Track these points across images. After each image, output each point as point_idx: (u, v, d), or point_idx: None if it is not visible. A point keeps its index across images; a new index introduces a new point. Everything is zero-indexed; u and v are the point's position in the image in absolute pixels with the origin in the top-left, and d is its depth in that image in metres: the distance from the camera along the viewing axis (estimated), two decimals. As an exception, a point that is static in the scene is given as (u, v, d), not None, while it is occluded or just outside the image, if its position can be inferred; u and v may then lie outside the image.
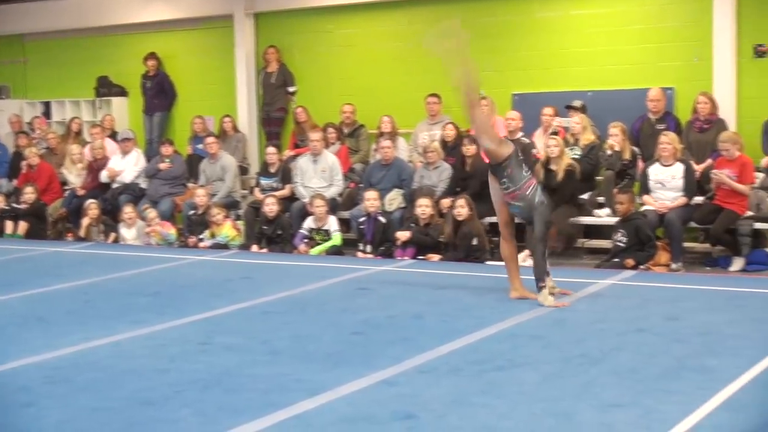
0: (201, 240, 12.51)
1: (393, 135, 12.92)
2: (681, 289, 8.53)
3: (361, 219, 11.72)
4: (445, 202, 11.53)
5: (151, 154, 14.97)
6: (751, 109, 11.68)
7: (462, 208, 10.78)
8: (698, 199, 10.85)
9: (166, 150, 14.10)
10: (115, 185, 14.24)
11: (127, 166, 14.32)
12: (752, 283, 8.90)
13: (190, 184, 13.98)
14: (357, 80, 14.42)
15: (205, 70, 15.85)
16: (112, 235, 13.11)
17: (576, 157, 11.42)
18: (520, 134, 12.16)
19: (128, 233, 13.03)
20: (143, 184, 14.20)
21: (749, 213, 10.44)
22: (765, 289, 8.39)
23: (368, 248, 11.51)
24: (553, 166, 11.09)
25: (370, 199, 11.60)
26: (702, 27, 11.91)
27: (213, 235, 12.47)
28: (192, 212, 12.91)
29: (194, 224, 12.80)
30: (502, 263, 10.73)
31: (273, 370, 6.00)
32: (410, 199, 11.84)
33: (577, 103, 12.17)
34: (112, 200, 13.93)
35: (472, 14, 13.46)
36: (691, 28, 12.09)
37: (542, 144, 11.71)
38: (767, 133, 11.13)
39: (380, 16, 14.32)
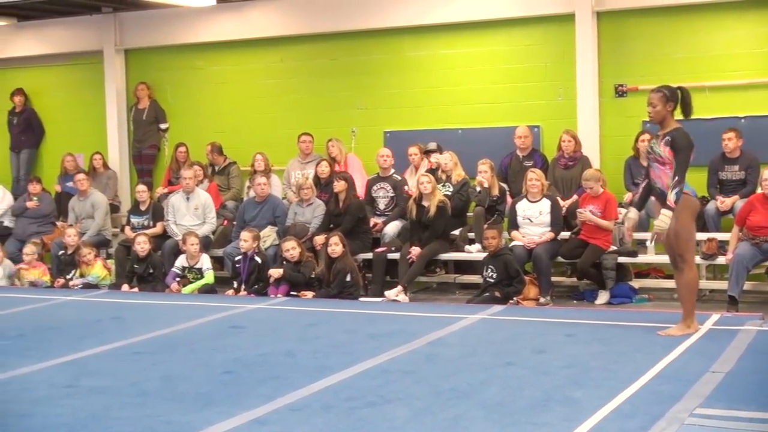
0: (70, 280, 12.23)
1: (267, 172, 12.89)
2: (549, 322, 8.69)
3: (237, 258, 11.61)
4: (319, 239, 11.55)
5: (18, 192, 14.61)
6: (614, 147, 12.04)
7: (336, 245, 10.82)
8: (564, 234, 11.12)
9: (33, 188, 13.82)
10: (-21, 225, 13.86)
11: (-9, 205, 13.99)
12: (615, 315, 9.16)
13: (59, 223, 13.71)
14: (229, 117, 14.37)
15: (74, 107, 15.57)
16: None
17: (448, 193, 11.60)
18: (392, 171, 12.31)
19: (-7, 273, 12.66)
20: (9, 222, 13.86)
21: (613, 247, 10.76)
22: (627, 321, 8.64)
23: (242, 287, 11.40)
24: (425, 203, 11.24)
25: (246, 240, 11.48)
26: (566, 67, 12.27)
27: (83, 275, 12.22)
28: (62, 252, 12.62)
29: (63, 264, 12.51)
30: (377, 299, 10.87)
31: (141, 412, 5.90)
32: (284, 235, 11.82)
33: (432, 145, 12.41)
34: (-25, 240, 13.53)
35: (344, 52, 13.63)
36: (555, 68, 12.45)
37: (414, 181, 11.86)
38: (629, 169, 11.49)
39: (252, 54, 14.31)
